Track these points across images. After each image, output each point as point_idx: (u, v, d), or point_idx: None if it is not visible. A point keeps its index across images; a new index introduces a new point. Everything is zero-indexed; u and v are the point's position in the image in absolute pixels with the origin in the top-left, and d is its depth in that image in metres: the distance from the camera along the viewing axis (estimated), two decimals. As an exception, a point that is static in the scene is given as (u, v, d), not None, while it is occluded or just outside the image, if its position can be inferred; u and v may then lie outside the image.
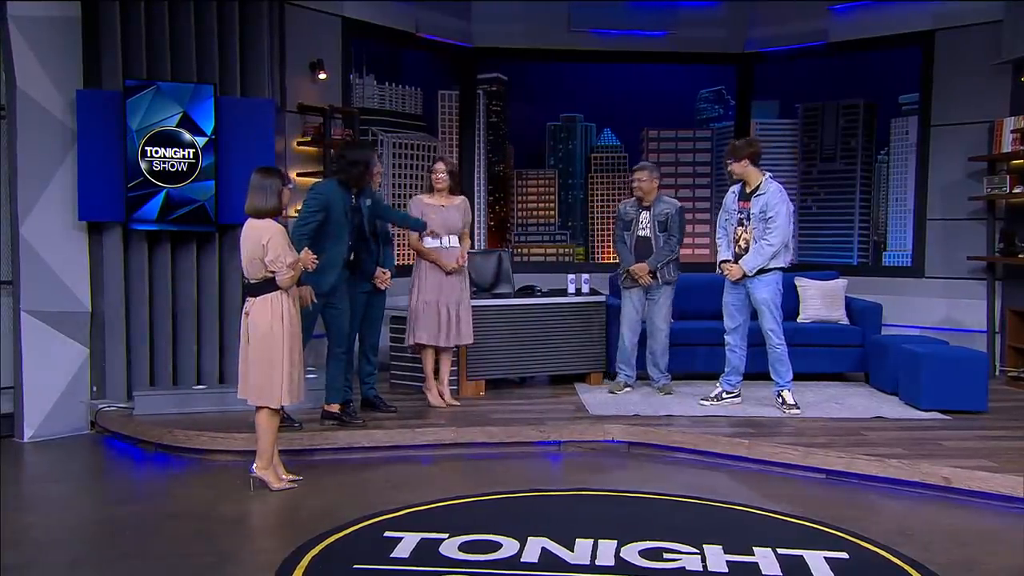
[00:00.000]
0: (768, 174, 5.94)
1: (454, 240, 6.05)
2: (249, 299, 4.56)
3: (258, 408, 4.58)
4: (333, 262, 5.30)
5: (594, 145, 9.14)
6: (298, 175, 7.02)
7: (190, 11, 6.15)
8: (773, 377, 5.98)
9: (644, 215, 6.39)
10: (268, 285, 4.49)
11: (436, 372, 6.16)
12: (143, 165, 5.89)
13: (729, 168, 5.97)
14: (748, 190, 5.88)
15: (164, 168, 5.94)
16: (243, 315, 4.58)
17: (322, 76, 7.15)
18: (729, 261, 5.92)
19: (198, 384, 6.25)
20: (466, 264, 6.14)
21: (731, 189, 6.07)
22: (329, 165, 6.82)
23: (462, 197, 6.20)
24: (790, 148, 8.79)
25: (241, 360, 4.60)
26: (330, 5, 7.27)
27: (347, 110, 7.40)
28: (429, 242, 6.01)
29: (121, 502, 4.64)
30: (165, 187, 5.95)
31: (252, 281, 4.53)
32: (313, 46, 7.13)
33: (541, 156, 9.16)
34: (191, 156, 6.00)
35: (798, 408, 5.89)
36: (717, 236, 6.12)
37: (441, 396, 6.12)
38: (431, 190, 6.11)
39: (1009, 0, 7.00)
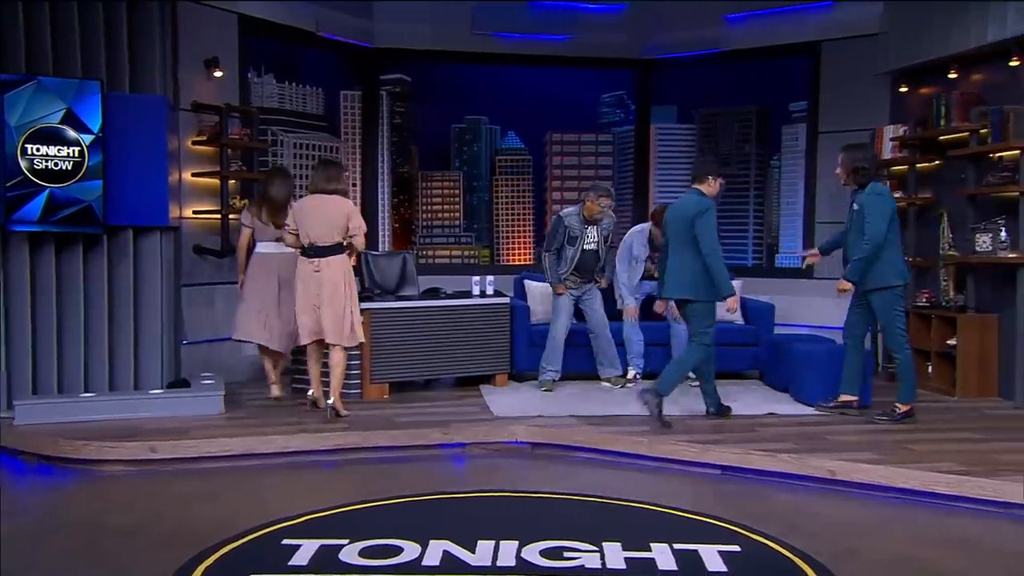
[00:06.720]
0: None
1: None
2: (317, 259, 5.58)
3: (334, 346, 5.65)
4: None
5: (499, 148, 9.19)
6: (193, 175, 6.82)
7: (73, 3, 5.88)
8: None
9: (591, 230, 6.79)
10: (339, 248, 5.62)
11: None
12: (23, 163, 5.61)
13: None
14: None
15: (47, 167, 5.68)
16: (312, 272, 5.57)
17: (218, 74, 6.95)
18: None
19: (86, 392, 5.98)
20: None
21: None
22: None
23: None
24: (688, 153, 9.03)
25: (308, 309, 5.61)
26: (225, 3, 7.07)
27: (245, 109, 7.22)
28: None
29: (1, 516, 4.39)
30: (48, 187, 5.68)
31: (321, 245, 5.57)
32: (208, 43, 6.92)
33: (446, 158, 9.15)
34: (76, 154, 5.75)
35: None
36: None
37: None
38: None
39: (889, 14, 7.38)
